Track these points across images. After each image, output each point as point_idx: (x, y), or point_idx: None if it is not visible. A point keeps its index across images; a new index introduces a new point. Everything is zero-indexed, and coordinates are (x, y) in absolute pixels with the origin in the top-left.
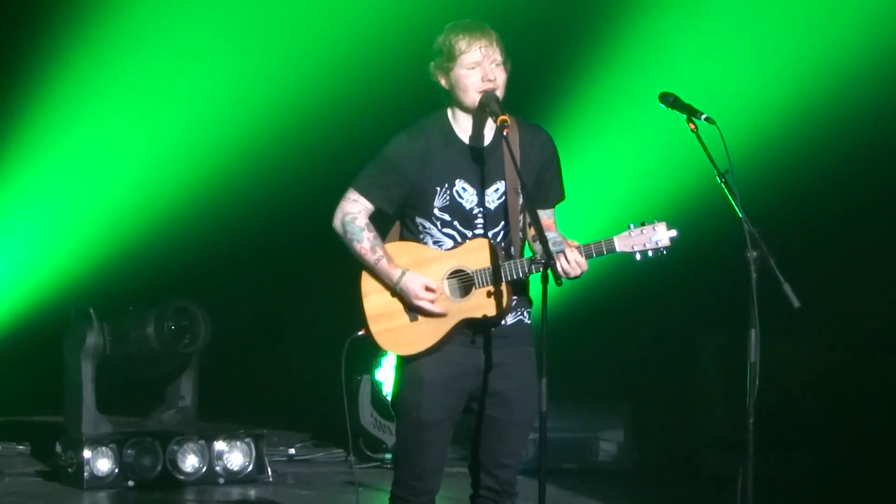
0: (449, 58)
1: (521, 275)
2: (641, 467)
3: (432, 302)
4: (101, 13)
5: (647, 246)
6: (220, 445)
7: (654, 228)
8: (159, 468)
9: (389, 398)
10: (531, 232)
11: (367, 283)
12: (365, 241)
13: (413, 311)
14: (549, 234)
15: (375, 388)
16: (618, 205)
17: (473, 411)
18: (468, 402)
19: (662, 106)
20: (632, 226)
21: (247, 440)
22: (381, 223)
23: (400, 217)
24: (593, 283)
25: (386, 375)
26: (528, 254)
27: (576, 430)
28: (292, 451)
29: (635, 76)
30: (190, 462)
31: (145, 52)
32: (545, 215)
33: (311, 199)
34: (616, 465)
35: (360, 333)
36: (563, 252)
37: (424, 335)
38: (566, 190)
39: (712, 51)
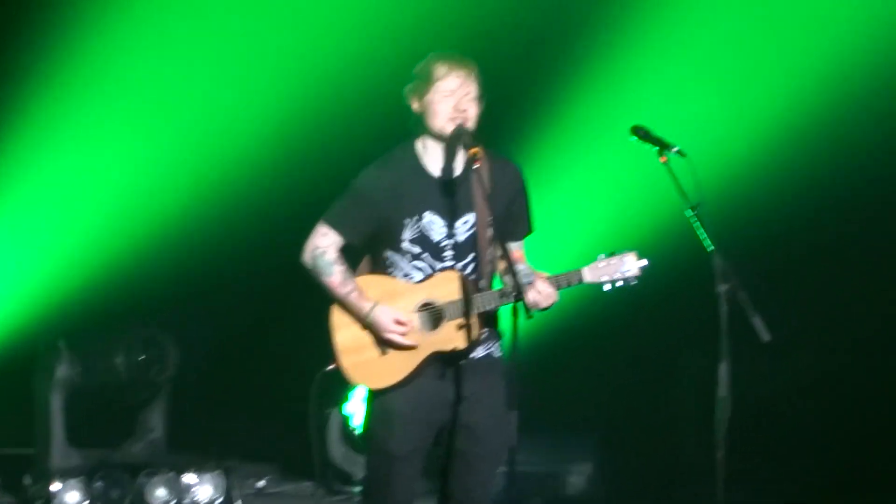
0: (426, 81)
1: (491, 307)
2: (611, 501)
3: (403, 335)
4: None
5: (616, 276)
6: (189, 478)
7: (623, 259)
8: (128, 500)
9: (358, 431)
10: (501, 264)
11: (338, 317)
12: (335, 275)
13: (383, 344)
14: (519, 266)
15: (344, 420)
16: (589, 237)
17: (443, 444)
18: (438, 435)
19: (634, 139)
20: (601, 256)
21: (216, 472)
22: (351, 256)
23: (370, 250)
24: (564, 314)
25: (354, 408)
26: (497, 286)
27: (544, 464)
28: (261, 483)
29: (607, 108)
30: (159, 494)
31: (107, 89)
32: (514, 247)
33: (283, 230)
34: (585, 499)
35: (330, 367)
36: (532, 284)
37: (395, 368)
38: (535, 222)
39: (683, 84)
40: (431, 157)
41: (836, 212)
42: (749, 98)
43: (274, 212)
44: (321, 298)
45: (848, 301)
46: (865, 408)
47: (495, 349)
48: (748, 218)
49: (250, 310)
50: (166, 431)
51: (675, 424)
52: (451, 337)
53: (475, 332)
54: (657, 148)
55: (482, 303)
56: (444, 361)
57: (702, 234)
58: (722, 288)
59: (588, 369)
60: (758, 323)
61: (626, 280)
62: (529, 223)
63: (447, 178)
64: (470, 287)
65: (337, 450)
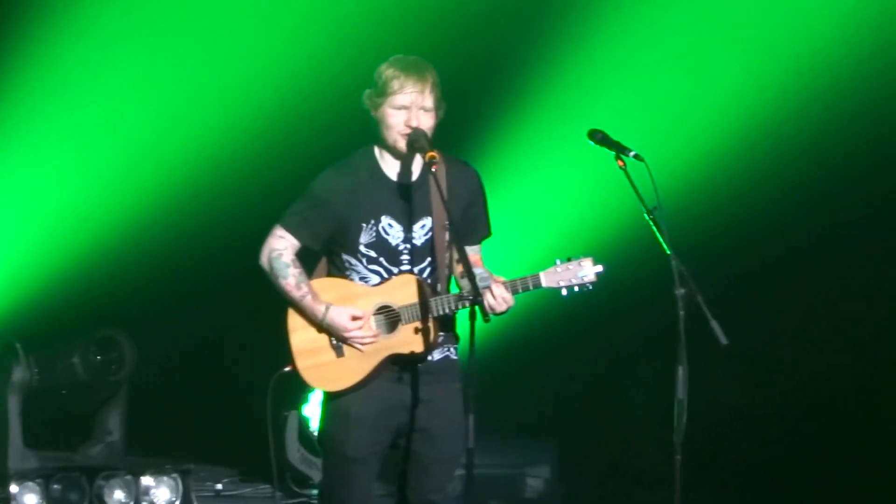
0: (380, 93)
1: (448, 311)
2: None
3: (361, 328)
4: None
5: (573, 281)
6: (147, 480)
7: (580, 264)
8: (86, 503)
9: (316, 434)
10: (458, 268)
11: (294, 320)
12: (290, 278)
13: (340, 346)
14: (476, 270)
15: (302, 423)
16: (547, 241)
17: (400, 447)
18: (395, 438)
19: (591, 143)
20: (558, 261)
21: (174, 475)
22: (308, 259)
23: (326, 254)
24: (521, 318)
25: (313, 411)
26: (454, 290)
27: (502, 467)
28: (219, 486)
29: (564, 112)
30: (117, 497)
31: (71, 90)
32: (471, 251)
33: (240, 234)
34: (543, 501)
35: (286, 369)
36: (489, 288)
37: (351, 371)
38: (492, 226)
39: (640, 87)
40: (389, 161)
41: (795, 215)
42: (706, 101)
43: (232, 215)
44: (278, 301)
45: (808, 304)
46: (825, 412)
47: (452, 352)
48: (706, 221)
49: (208, 312)
50: (124, 434)
51: (634, 427)
52: (407, 340)
53: (432, 335)
54: (614, 152)
55: (439, 306)
56: (400, 364)
57: (659, 237)
58: (679, 292)
59: (546, 372)
60: (716, 326)
61: (582, 285)
62: (487, 227)
63: (404, 183)
64: (427, 290)
65: (295, 452)
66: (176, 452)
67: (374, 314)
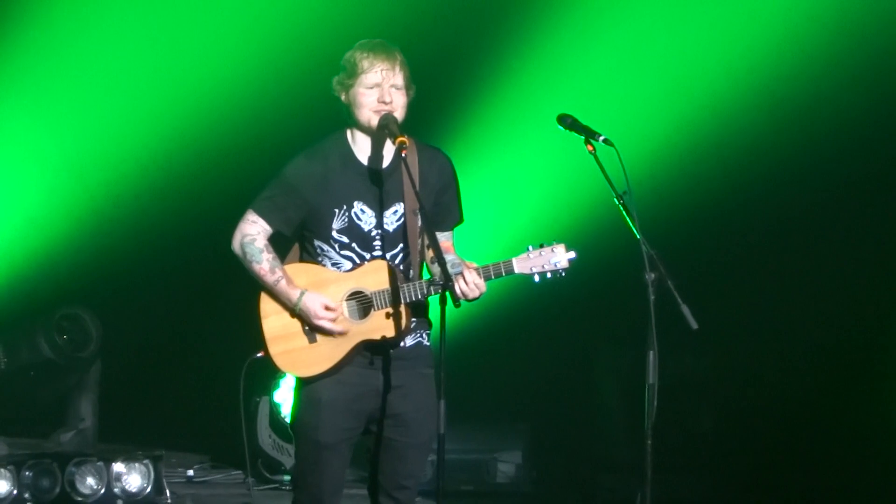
0: (350, 75)
1: (419, 296)
2: (539, 489)
3: (333, 321)
4: None
5: (546, 268)
6: (118, 467)
7: (552, 250)
8: (58, 490)
9: (288, 420)
10: (429, 254)
11: (266, 305)
12: (264, 263)
13: (312, 332)
14: (448, 257)
15: (274, 409)
16: (517, 226)
17: (372, 433)
18: (367, 424)
19: (560, 127)
20: (530, 248)
21: (145, 462)
22: (281, 245)
23: (299, 239)
24: (492, 304)
25: (284, 397)
26: (426, 276)
27: (474, 452)
28: (191, 472)
29: (533, 97)
30: (88, 483)
31: (39, 72)
32: (443, 237)
33: (212, 218)
34: (514, 486)
35: (258, 355)
36: (461, 274)
37: (323, 357)
38: (464, 212)
39: (609, 71)
40: (361, 147)
41: (766, 199)
42: (676, 85)
43: (204, 199)
44: (249, 285)
45: (778, 288)
46: (795, 395)
47: (425, 338)
48: (676, 206)
49: (178, 298)
50: (96, 422)
51: (604, 412)
52: (380, 326)
53: (404, 321)
54: (584, 137)
55: (411, 292)
56: (372, 351)
57: (629, 222)
58: (650, 276)
59: (517, 358)
60: (686, 311)
61: (555, 271)
62: (459, 213)
63: (376, 169)
64: (399, 276)
65: (266, 438)
66: (147, 438)
67: (347, 300)
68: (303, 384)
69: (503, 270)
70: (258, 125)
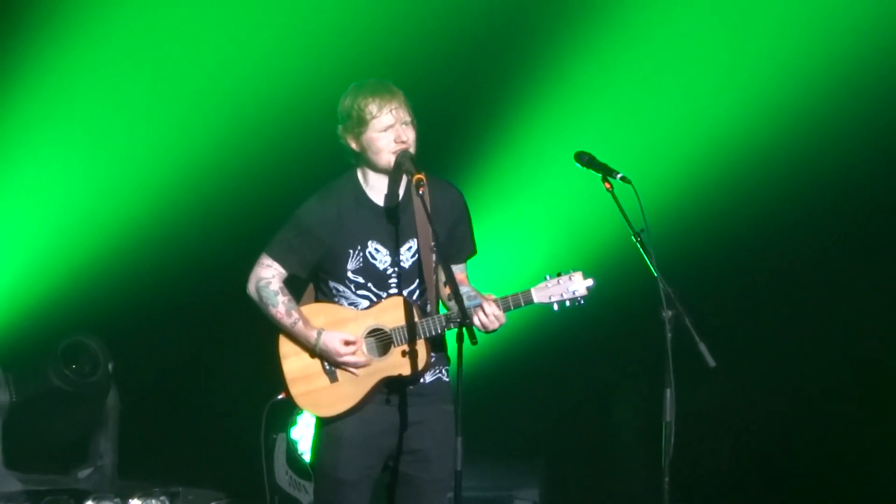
0: (359, 122)
1: (437, 331)
2: None
3: (354, 354)
4: None
5: (565, 296)
6: (135, 503)
7: (570, 278)
8: None
9: (305, 457)
10: (445, 290)
11: (286, 346)
12: (280, 306)
13: (333, 371)
14: (463, 289)
15: (291, 446)
16: (534, 262)
17: (390, 468)
18: (387, 461)
19: (578, 165)
20: (548, 276)
21: (162, 498)
22: (295, 286)
23: (314, 280)
24: (509, 340)
25: (301, 433)
26: (443, 311)
27: (491, 489)
28: None
29: (552, 133)
30: None
31: (60, 101)
32: (458, 269)
33: (233, 257)
34: None
35: (280, 397)
36: (480, 306)
37: (345, 396)
38: (481, 247)
39: (627, 108)
40: (373, 186)
41: (783, 237)
42: (694, 122)
43: (224, 238)
44: (268, 324)
45: (795, 323)
46: (814, 431)
47: (444, 374)
48: (693, 244)
49: (199, 338)
50: (114, 458)
51: (621, 449)
52: (399, 362)
53: (424, 357)
54: (601, 174)
55: (429, 328)
56: (390, 388)
57: (647, 260)
58: (667, 314)
59: (534, 394)
60: (704, 349)
61: (573, 299)
62: (472, 245)
63: (389, 206)
64: (416, 312)
65: (283, 475)
66: (165, 475)
67: (366, 337)
68: (323, 423)
69: (522, 301)
70: (275, 158)
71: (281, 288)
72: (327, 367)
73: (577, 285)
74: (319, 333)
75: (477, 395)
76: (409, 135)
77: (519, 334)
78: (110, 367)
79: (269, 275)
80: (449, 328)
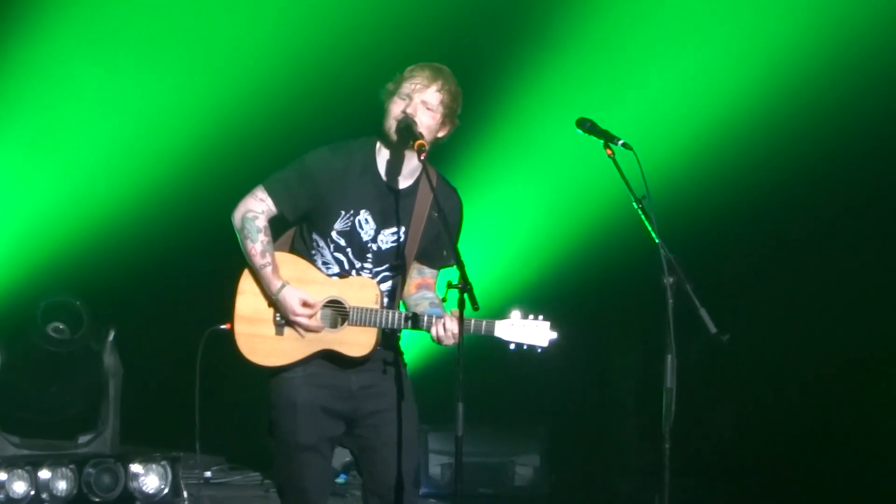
0: (395, 83)
1: (395, 326)
2: (558, 492)
3: (308, 317)
4: None
5: (524, 342)
6: (135, 468)
7: (537, 326)
8: (75, 491)
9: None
10: (412, 288)
11: (246, 282)
12: (258, 244)
13: (282, 325)
14: (428, 295)
15: None
16: (536, 228)
17: (354, 436)
18: (347, 427)
19: (579, 131)
20: (519, 313)
21: (162, 463)
22: (277, 228)
23: (298, 227)
24: (510, 308)
25: None
26: (402, 308)
27: (492, 455)
28: (208, 473)
29: (554, 101)
30: (106, 485)
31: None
32: (428, 274)
33: (228, 229)
34: (532, 489)
35: (222, 327)
36: (441, 318)
37: (283, 351)
38: (484, 211)
39: (628, 76)
40: (384, 160)
41: (784, 202)
42: (695, 89)
43: (214, 204)
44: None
45: (796, 292)
46: (813, 399)
47: (387, 356)
48: (695, 210)
49: (197, 305)
50: (117, 425)
51: (621, 416)
52: (345, 340)
53: (370, 344)
54: (603, 141)
55: (387, 319)
56: (331, 360)
57: (648, 226)
58: (668, 280)
59: (534, 361)
60: (705, 315)
61: (532, 346)
62: (452, 257)
63: (392, 186)
64: (381, 300)
65: None
66: (165, 440)
67: (324, 306)
68: (275, 385)
69: (483, 330)
70: (268, 134)
71: (265, 227)
72: (278, 319)
73: (541, 337)
74: (283, 286)
75: (478, 361)
76: (423, 116)
77: (520, 301)
78: (111, 333)
79: (258, 209)
80: (406, 327)
